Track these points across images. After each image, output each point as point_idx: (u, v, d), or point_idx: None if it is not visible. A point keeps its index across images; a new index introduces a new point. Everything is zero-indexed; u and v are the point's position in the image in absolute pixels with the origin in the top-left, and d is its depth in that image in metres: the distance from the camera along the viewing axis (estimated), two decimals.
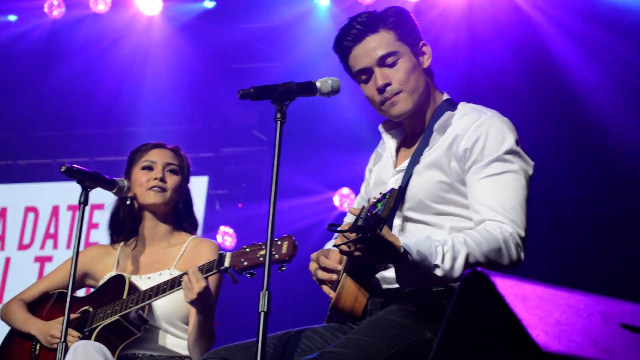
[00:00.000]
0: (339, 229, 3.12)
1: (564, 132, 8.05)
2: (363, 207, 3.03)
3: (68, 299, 4.13)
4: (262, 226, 8.43)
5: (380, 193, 3.01)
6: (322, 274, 3.55)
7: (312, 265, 3.62)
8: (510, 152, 3.46)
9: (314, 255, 3.64)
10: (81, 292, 5.22)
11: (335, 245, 3.21)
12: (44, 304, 4.84)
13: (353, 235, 3.01)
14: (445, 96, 3.74)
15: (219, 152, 9.45)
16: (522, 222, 3.38)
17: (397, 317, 3.33)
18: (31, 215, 9.36)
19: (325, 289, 3.55)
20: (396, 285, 3.43)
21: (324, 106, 8.10)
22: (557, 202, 7.93)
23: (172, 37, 9.09)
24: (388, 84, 3.61)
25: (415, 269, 3.17)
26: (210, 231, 9.10)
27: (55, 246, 9.18)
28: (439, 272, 3.19)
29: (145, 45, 9.15)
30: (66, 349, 4.09)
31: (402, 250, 3.12)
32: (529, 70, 8.14)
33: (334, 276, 3.52)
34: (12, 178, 9.78)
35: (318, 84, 3.52)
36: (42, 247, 9.24)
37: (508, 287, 2.09)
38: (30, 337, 4.70)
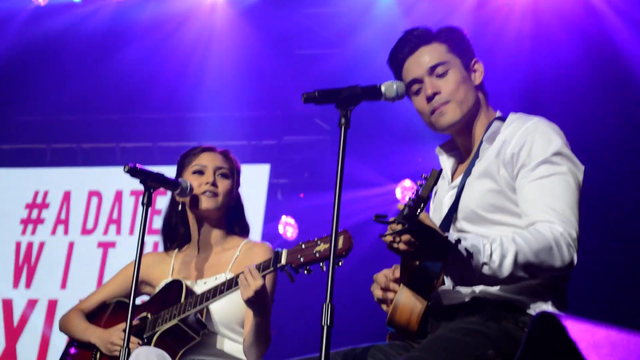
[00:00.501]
0: (385, 220, 3.08)
1: (632, 131, 7.92)
2: (409, 199, 3.01)
3: (130, 304, 4.13)
4: (324, 217, 8.51)
5: (422, 175, 3.00)
6: (380, 293, 3.54)
7: (372, 286, 3.61)
8: (557, 154, 3.44)
9: (375, 276, 3.62)
10: (137, 301, 5.23)
11: (380, 236, 3.17)
12: (101, 314, 4.86)
13: (399, 227, 3.01)
14: (499, 113, 3.73)
15: (281, 140, 9.43)
16: (573, 223, 3.34)
17: (458, 334, 3.30)
18: (94, 200, 9.43)
19: (384, 307, 3.53)
20: (456, 302, 3.41)
21: None
22: (624, 205, 7.81)
23: (236, 22, 9.08)
24: (437, 93, 3.63)
25: (464, 265, 3.17)
26: (271, 221, 9.10)
27: (118, 232, 9.25)
28: (486, 270, 3.18)
29: (209, 29, 9.15)
30: (128, 355, 4.10)
31: (451, 239, 3.12)
32: (594, 65, 8.01)
33: (390, 294, 3.50)
34: (76, 162, 9.85)
35: (383, 88, 3.50)
36: (105, 232, 9.31)
37: (580, 333, 2.05)
38: (90, 346, 4.72)
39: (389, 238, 3.11)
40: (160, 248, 4.99)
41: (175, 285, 4.57)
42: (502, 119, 3.68)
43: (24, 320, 8.99)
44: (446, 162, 3.80)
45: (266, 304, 4.20)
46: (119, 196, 9.36)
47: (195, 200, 4.68)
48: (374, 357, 3.50)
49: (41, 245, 9.32)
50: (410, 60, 3.69)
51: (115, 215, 9.30)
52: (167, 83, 9.29)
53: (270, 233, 9.12)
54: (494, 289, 3.40)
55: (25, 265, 9.23)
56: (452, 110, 3.62)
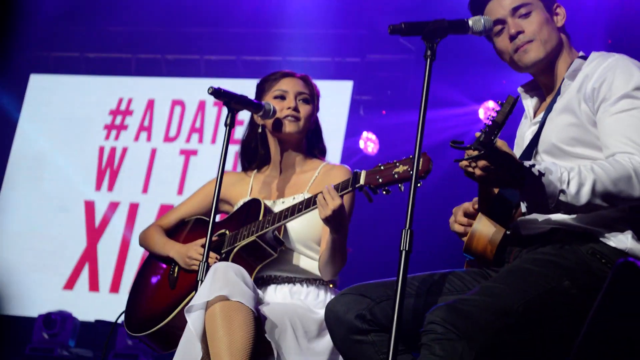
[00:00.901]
0: (462, 146, 3.09)
1: None
2: (485, 125, 3.04)
3: (211, 219, 4.19)
4: (405, 134, 8.52)
5: (499, 102, 3.02)
6: (457, 227, 3.57)
7: (451, 219, 3.63)
8: (638, 88, 3.41)
9: (455, 209, 3.64)
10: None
11: (455, 160, 3.18)
12: (181, 231, 4.92)
13: (475, 153, 3.02)
14: (581, 53, 3.71)
15: (365, 57, 9.41)
16: None
17: (535, 265, 3.31)
18: (178, 109, 9.55)
19: (463, 239, 3.56)
20: (534, 232, 3.43)
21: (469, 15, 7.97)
22: None
23: None
24: (520, 32, 3.62)
25: (541, 192, 3.18)
26: (352, 136, 9.14)
27: (200, 140, 9.36)
28: (563, 197, 3.19)
29: None
30: (207, 269, 4.18)
31: (525, 168, 3.14)
32: None
33: (469, 229, 3.52)
34: (160, 72, 9.95)
35: (470, 22, 3.50)
36: (188, 140, 9.43)
37: None
38: (168, 260, 4.79)
39: (464, 163, 3.13)
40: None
41: (253, 204, 4.62)
42: (585, 57, 3.67)
43: (105, 221, 9.22)
44: (528, 101, 3.79)
45: (343, 223, 4.21)
46: (202, 106, 9.47)
47: (277, 123, 4.71)
48: (451, 283, 3.53)
49: (124, 150, 9.51)
50: (492, 2, 3.67)
51: (197, 124, 9.42)
52: None
53: (351, 147, 9.17)
54: (571, 219, 3.40)
55: (108, 169, 9.42)
56: (536, 48, 3.61)
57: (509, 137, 3.68)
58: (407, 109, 8.72)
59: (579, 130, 3.46)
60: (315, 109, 4.83)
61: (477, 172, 3.13)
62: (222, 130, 8.45)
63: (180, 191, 9.15)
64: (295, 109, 4.71)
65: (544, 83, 3.74)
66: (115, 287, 8.89)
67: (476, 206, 3.54)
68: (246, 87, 9.13)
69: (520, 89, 3.84)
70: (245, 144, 4.92)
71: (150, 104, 9.63)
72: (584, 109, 3.46)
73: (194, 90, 9.62)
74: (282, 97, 4.75)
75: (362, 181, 4.06)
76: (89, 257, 9.07)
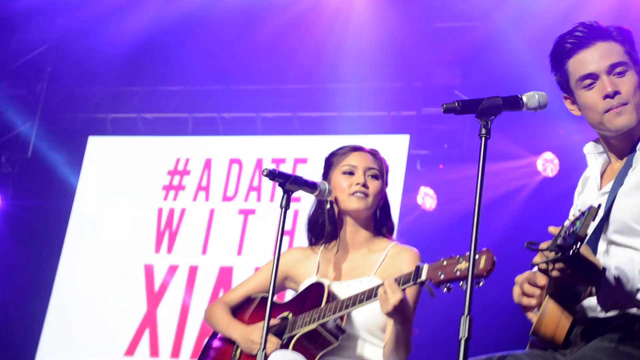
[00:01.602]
0: (538, 247, 3.06)
1: None
2: (562, 226, 2.98)
3: (268, 305, 4.16)
4: (463, 189, 8.45)
5: (579, 210, 2.96)
6: (524, 300, 3.48)
7: (516, 290, 3.53)
8: None
9: (518, 279, 3.54)
10: (289, 293, 5.24)
11: (533, 264, 3.15)
12: (246, 308, 4.89)
13: (552, 254, 2.98)
14: None
15: (421, 111, 9.37)
16: None
17: (604, 355, 3.21)
18: (235, 167, 9.55)
19: (529, 314, 3.47)
20: (602, 315, 3.33)
21: (525, 68, 7.93)
22: None
23: None
24: (618, 92, 3.47)
25: (617, 291, 3.10)
26: (410, 192, 9.07)
27: (258, 199, 9.35)
28: None
29: (349, 2, 9.22)
30: (266, 357, 4.13)
31: (602, 270, 3.06)
32: None
33: (533, 301, 3.44)
34: (217, 130, 9.98)
35: (525, 98, 3.42)
36: (246, 199, 9.41)
37: None
38: (232, 341, 4.75)
39: (543, 266, 3.08)
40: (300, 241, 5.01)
41: (317, 288, 4.57)
42: None
43: (164, 285, 9.20)
44: (594, 163, 3.65)
45: (406, 316, 4.17)
46: (259, 164, 9.46)
47: (345, 200, 4.67)
48: None
49: (182, 211, 9.50)
50: (584, 53, 3.51)
51: (255, 183, 9.40)
52: (308, 55, 9.35)
53: (408, 203, 9.10)
54: None
55: (167, 231, 9.43)
56: (630, 112, 3.47)
57: None
58: (465, 163, 8.65)
59: None
60: (385, 184, 4.78)
61: (554, 273, 3.08)
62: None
63: (239, 252, 9.13)
64: (364, 185, 4.65)
65: (615, 146, 3.59)
66: (176, 353, 8.84)
67: (541, 283, 3.46)
68: (303, 144, 9.31)
69: (586, 149, 3.70)
70: (312, 219, 4.86)
71: (208, 163, 9.64)
72: None
73: (251, 148, 9.64)
74: (350, 173, 4.70)
75: (423, 276, 4.03)
76: (149, 322, 9.04)
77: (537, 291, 3.41)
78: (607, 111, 3.48)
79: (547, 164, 8.82)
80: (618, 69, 3.49)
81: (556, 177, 8.71)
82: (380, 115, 9.47)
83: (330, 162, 4.82)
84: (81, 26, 9.82)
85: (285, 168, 9.25)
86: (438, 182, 9.20)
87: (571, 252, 2.93)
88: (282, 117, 9.84)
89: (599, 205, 3.03)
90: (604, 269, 3.08)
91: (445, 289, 3.93)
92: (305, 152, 9.36)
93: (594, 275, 3.08)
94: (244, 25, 9.39)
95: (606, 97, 3.47)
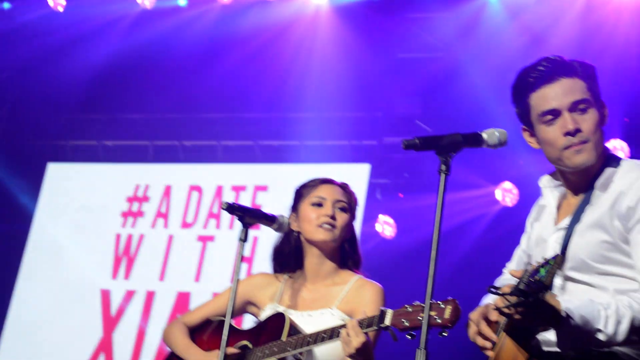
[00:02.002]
0: (500, 291, 3.08)
1: None
2: (525, 271, 3.00)
3: (224, 335, 4.17)
4: (423, 218, 8.47)
5: (544, 258, 2.99)
6: (480, 341, 3.48)
7: (472, 329, 3.52)
8: None
9: (473, 317, 3.52)
10: (248, 319, 5.22)
11: (495, 308, 3.17)
12: (204, 330, 4.86)
13: (514, 299, 3.00)
14: (610, 153, 3.60)
15: (382, 140, 9.41)
16: None
17: None
18: (195, 194, 9.52)
19: (485, 351, 3.47)
20: (557, 349, 3.34)
21: (487, 100, 8.00)
22: None
23: (339, 25, 9.13)
24: (579, 130, 3.46)
25: (577, 333, 3.13)
26: (370, 220, 9.09)
27: (217, 226, 9.32)
28: (601, 337, 3.13)
29: (312, 33, 9.22)
30: None
31: (564, 314, 3.08)
32: None
33: (488, 344, 3.44)
34: (178, 158, 9.96)
35: (485, 135, 3.46)
36: (205, 226, 9.38)
37: None
38: None
39: (506, 310, 3.09)
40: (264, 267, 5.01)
41: (278, 319, 4.55)
42: (614, 160, 3.55)
43: (121, 310, 9.13)
44: (550, 196, 3.65)
45: (367, 358, 4.17)
46: (219, 191, 9.44)
47: (312, 231, 4.67)
48: None
49: (141, 237, 9.45)
50: (547, 88, 3.51)
51: (215, 210, 9.37)
52: (270, 83, 9.36)
53: (368, 232, 9.11)
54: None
55: (125, 257, 9.37)
56: (590, 150, 3.47)
57: None
58: (425, 192, 8.68)
59: (611, 248, 3.36)
60: (352, 217, 4.79)
61: (516, 316, 3.10)
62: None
63: (197, 278, 9.08)
64: (332, 217, 4.66)
65: (572, 181, 3.60)
66: None
67: (494, 318, 3.46)
68: (263, 172, 9.31)
69: (540, 182, 3.71)
70: (278, 249, 4.87)
71: (167, 190, 9.61)
72: (616, 225, 3.36)
73: (211, 175, 9.62)
74: (319, 204, 4.71)
75: (387, 322, 4.03)
76: (105, 347, 8.96)
77: (494, 336, 3.42)
78: (566, 148, 3.48)
79: (507, 194, 8.88)
80: (580, 106, 3.48)
81: (515, 207, 8.76)
82: (341, 144, 9.51)
83: (300, 194, 4.83)
84: (42, 54, 9.79)
85: (246, 196, 9.24)
86: (397, 211, 9.24)
87: (535, 298, 2.95)
88: (243, 146, 9.84)
89: (564, 254, 3.04)
90: (567, 316, 3.10)
91: (409, 335, 3.92)
92: (265, 180, 9.36)
93: (555, 318, 3.10)
94: (206, 53, 9.40)
95: (567, 134, 3.47)
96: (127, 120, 10.10)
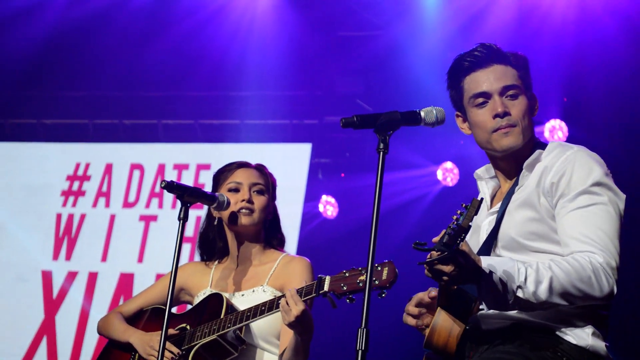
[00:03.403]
0: (425, 247, 3.11)
1: None
2: (448, 227, 3.04)
3: (166, 314, 4.17)
4: (365, 197, 8.50)
5: (462, 204, 3.03)
6: (409, 320, 3.55)
7: (404, 316, 3.60)
8: (597, 184, 3.42)
9: (407, 307, 3.62)
10: (179, 309, 5.25)
11: (419, 263, 3.18)
12: (139, 320, 4.88)
13: (437, 254, 3.05)
14: (536, 139, 3.71)
15: (323, 119, 9.42)
16: (613, 253, 3.33)
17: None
18: (137, 173, 9.47)
19: (422, 331, 3.52)
20: (495, 327, 3.40)
21: (427, 79, 8.03)
22: None
23: (279, 2, 9.07)
24: (508, 114, 3.58)
25: (498, 288, 3.19)
26: (312, 200, 9.12)
27: (160, 205, 9.27)
28: (521, 294, 3.19)
29: (252, 10, 9.17)
30: None
31: (485, 268, 3.15)
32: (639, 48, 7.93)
33: (425, 320, 3.50)
34: (118, 137, 9.88)
35: (422, 113, 3.49)
36: (147, 205, 9.34)
37: None
38: (128, 347, 4.73)
39: (431, 266, 3.14)
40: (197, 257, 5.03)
41: (216, 299, 4.58)
42: (541, 144, 3.66)
43: (63, 292, 9.05)
44: (485, 188, 3.77)
45: (307, 327, 4.20)
46: (161, 169, 9.40)
47: (232, 216, 4.70)
48: None
49: (82, 217, 9.38)
50: (481, 72, 3.63)
51: (157, 189, 9.31)
52: (210, 62, 9.32)
53: (310, 212, 9.16)
54: (531, 315, 3.38)
55: (66, 237, 9.30)
56: (517, 134, 3.58)
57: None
58: (366, 172, 8.73)
59: (539, 225, 3.45)
60: (272, 198, 4.83)
61: (439, 267, 3.13)
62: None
63: (140, 259, 9.04)
64: (249, 201, 4.71)
65: (503, 168, 3.71)
66: None
67: (432, 294, 3.52)
68: (205, 151, 9.27)
69: (476, 175, 3.82)
70: (202, 236, 4.91)
71: (109, 169, 9.53)
72: (543, 202, 3.45)
73: (153, 154, 9.56)
74: (236, 190, 4.75)
75: (326, 288, 4.06)
76: (47, 329, 8.89)
77: (423, 310, 3.50)
78: (495, 130, 3.59)
79: (447, 174, 8.96)
80: (511, 92, 3.62)
81: (456, 186, 8.84)
82: (282, 124, 9.51)
83: (217, 180, 4.86)
84: None
85: (189, 174, 9.21)
86: (340, 191, 9.27)
87: (456, 245, 3.01)
88: (184, 125, 9.78)
89: (481, 199, 3.09)
90: (488, 271, 3.16)
91: (348, 300, 3.98)
92: (208, 158, 9.32)
93: (476, 272, 3.16)
94: (146, 32, 9.29)
95: (496, 116, 3.58)
96: (66, 98, 9.98)
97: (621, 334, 7.45)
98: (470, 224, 3.00)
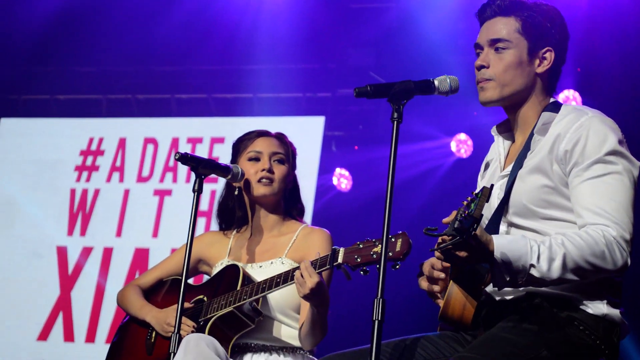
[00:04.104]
0: (435, 232, 3.11)
1: None
2: (458, 210, 3.04)
3: (182, 288, 4.17)
4: (378, 170, 8.49)
5: (472, 192, 3.03)
6: (426, 285, 3.53)
7: (421, 278, 3.58)
8: (612, 152, 3.37)
9: (423, 266, 3.59)
10: (197, 279, 5.25)
11: (431, 250, 3.20)
12: (159, 291, 4.89)
13: (449, 239, 3.04)
14: (552, 99, 3.66)
15: (336, 92, 9.39)
16: (627, 225, 3.30)
17: (512, 334, 3.28)
18: (150, 147, 9.44)
19: (437, 301, 3.51)
20: (509, 297, 3.40)
21: (440, 50, 8.00)
22: None
23: None
24: (484, 67, 3.59)
25: (510, 268, 3.17)
26: (325, 173, 9.11)
27: (174, 180, 9.26)
28: (535, 272, 3.18)
29: None
30: (180, 340, 4.13)
31: (496, 249, 3.14)
32: None
33: (436, 287, 3.49)
34: (132, 112, 9.89)
35: (436, 82, 3.48)
36: (162, 180, 9.32)
37: None
38: (146, 324, 4.74)
39: (443, 250, 3.14)
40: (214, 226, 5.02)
41: (232, 270, 4.57)
42: (555, 106, 3.60)
43: (78, 268, 9.06)
44: (500, 146, 3.73)
45: (323, 299, 4.19)
46: (175, 143, 9.38)
47: (252, 186, 4.69)
48: (424, 348, 3.50)
49: (96, 192, 9.37)
50: (486, 24, 3.66)
51: (171, 163, 9.27)
52: (223, 36, 9.29)
53: (324, 185, 9.15)
54: (547, 287, 3.36)
55: (80, 213, 9.29)
56: (492, 89, 3.57)
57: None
58: (379, 144, 8.71)
59: (551, 192, 3.42)
60: (292, 168, 4.81)
61: (453, 256, 3.14)
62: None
63: (155, 234, 9.05)
64: (270, 171, 4.69)
65: (513, 126, 3.70)
66: (91, 337, 8.72)
67: (444, 264, 3.51)
68: (218, 125, 9.25)
69: (493, 131, 3.78)
70: (222, 205, 4.90)
71: (122, 143, 9.51)
72: (556, 170, 3.42)
73: (166, 128, 9.54)
74: (256, 159, 4.74)
75: (340, 259, 4.06)
76: (63, 305, 8.90)
77: (441, 274, 3.47)
78: (477, 83, 3.63)
79: (461, 145, 8.94)
80: (499, 44, 3.60)
81: (470, 158, 8.82)
82: (295, 97, 9.49)
83: (237, 149, 4.85)
84: None
85: (203, 148, 9.19)
86: (353, 163, 9.27)
87: (468, 234, 2.99)
88: (196, 99, 9.78)
89: (492, 186, 3.09)
90: (498, 252, 3.15)
91: (362, 272, 3.97)
92: (222, 132, 9.30)
93: (488, 255, 3.15)
94: (157, 6, 9.28)
95: (477, 68, 3.62)
96: (79, 73, 9.97)
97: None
98: (482, 213, 2.98)
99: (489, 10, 3.64)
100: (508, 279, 3.19)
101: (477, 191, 3.02)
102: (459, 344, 3.49)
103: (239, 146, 4.83)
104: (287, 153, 4.80)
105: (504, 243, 3.16)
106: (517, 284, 3.23)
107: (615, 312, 3.38)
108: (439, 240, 3.11)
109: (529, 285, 3.26)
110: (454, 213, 3.04)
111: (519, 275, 3.18)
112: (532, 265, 3.17)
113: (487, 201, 2.99)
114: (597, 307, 3.36)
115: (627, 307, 3.57)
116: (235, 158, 4.82)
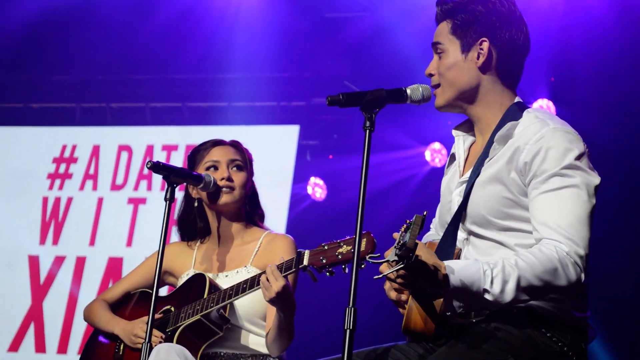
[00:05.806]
0: (379, 259, 3.10)
1: None
2: (400, 234, 2.99)
3: (153, 298, 4.14)
4: (353, 179, 8.48)
5: (407, 221, 2.97)
6: (394, 295, 3.51)
7: (387, 284, 3.55)
8: (570, 166, 3.31)
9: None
10: (162, 291, 5.22)
11: (375, 277, 3.16)
12: (126, 304, 4.88)
13: (394, 265, 3.00)
14: (517, 99, 3.60)
15: (310, 101, 9.39)
16: (582, 240, 3.24)
17: (478, 342, 3.26)
18: (125, 155, 9.39)
19: (401, 310, 3.49)
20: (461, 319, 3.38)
21: (414, 60, 8.01)
22: None
23: None
24: (431, 75, 3.59)
25: (464, 294, 3.13)
26: (300, 182, 9.11)
27: (149, 188, 9.21)
28: (488, 297, 3.14)
29: None
30: (150, 350, 4.11)
31: (446, 275, 3.10)
32: (626, 23, 7.90)
33: (403, 296, 3.47)
34: (105, 120, 9.84)
35: (409, 91, 3.45)
36: (136, 188, 9.27)
37: None
38: (114, 337, 4.73)
39: (391, 276, 3.12)
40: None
41: (198, 279, 4.57)
42: (519, 110, 3.53)
43: (50, 277, 8.97)
44: (461, 147, 3.68)
45: (289, 303, 4.20)
46: (150, 151, 9.33)
47: (212, 195, 4.68)
48: (394, 357, 3.48)
49: (69, 200, 9.30)
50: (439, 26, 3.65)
51: (146, 171, 9.19)
52: (197, 45, 9.27)
53: (299, 194, 9.15)
54: None
55: (53, 221, 9.22)
56: (441, 93, 3.56)
57: None
58: (354, 153, 8.73)
59: (511, 204, 3.39)
60: (250, 174, 4.82)
61: (399, 281, 3.12)
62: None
63: (129, 243, 8.99)
64: (229, 179, 4.69)
65: (473, 124, 3.65)
66: (63, 348, 8.64)
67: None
68: (194, 133, 9.22)
69: (454, 132, 3.74)
70: (182, 218, 4.89)
71: (96, 151, 9.44)
72: (514, 178, 3.38)
73: (141, 136, 9.49)
74: (214, 168, 4.74)
75: (305, 262, 4.06)
76: (35, 316, 8.81)
77: (403, 296, 3.46)
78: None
79: (436, 154, 8.96)
80: (438, 49, 3.58)
81: (444, 167, 8.79)
82: (270, 106, 9.49)
83: (193, 160, 4.83)
84: None
85: (178, 155, 9.15)
86: (328, 173, 9.27)
87: (409, 261, 2.95)
88: (171, 107, 9.76)
89: (425, 214, 3.03)
90: (447, 276, 3.10)
91: (328, 273, 3.98)
92: (198, 139, 9.20)
93: (439, 279, 3.11)
94: (132, 15, 9.24)
95: (428, 77, 3.61)
96: (53, 82, 9.95)
97: (620, 331, 7.52)
98: (416, 242, 2.93)
99: (436, 20, 3.63)
100: (461, 304, 3.15)
101: (410, 220, 2.96)
102: (428, 353, 3.47)
103: (195, 157, 4.82)
104: (244, 159, 4.81)
105: (456, 269, 3.12)
106: (471, 309, 3.22)
107: (581, 318, 3.37)
108: (380, 268, 3.13)
109: (483, 308, 3.25)
110: (398, 234, 3.01)
111: (473, 300, 3.14)
112: (485, 290, 3.12)
113: (422, 229, 2.95)
114: (563, 313, 3.34)
115: (594, 311, 3.57)
116: (192, 169, 4.79)
